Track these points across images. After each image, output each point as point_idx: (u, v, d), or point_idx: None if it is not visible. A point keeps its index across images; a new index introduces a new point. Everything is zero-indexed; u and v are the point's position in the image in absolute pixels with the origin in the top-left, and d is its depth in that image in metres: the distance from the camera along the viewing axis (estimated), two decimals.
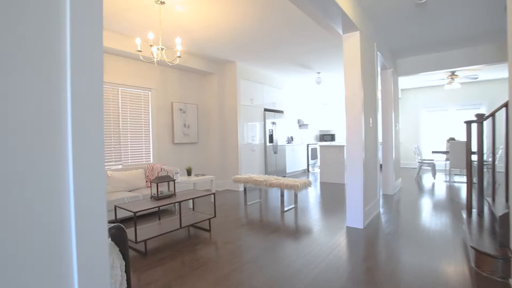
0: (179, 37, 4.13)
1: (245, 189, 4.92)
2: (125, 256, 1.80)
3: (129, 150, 4.93)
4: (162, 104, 5.50)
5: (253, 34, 4.49)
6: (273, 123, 7.42)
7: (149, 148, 5.27)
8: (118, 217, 3.63)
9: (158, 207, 3.03)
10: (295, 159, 8.69)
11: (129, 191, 4.29)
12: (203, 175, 5.16)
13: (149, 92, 5.25)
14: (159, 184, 4.01)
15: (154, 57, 3.32)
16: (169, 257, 2.75)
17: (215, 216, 3.52)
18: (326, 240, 3.10)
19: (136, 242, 2.67)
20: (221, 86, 6.35)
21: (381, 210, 4.25)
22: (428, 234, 3.21)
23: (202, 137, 6.40)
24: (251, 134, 6.64)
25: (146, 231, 2.96)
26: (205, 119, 6.47)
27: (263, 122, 7.08)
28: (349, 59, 3.51)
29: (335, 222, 3.72)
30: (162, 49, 3.30)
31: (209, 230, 3.47)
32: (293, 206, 4.60)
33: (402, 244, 2.93)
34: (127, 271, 1.80)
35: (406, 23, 4.15)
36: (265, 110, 7.20)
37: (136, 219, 2.73)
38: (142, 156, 5.15)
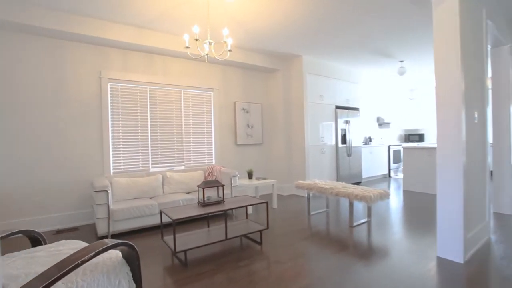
0: (229, 29, 3.88)
1: (308, 196, 4.36)
2: (136, 278, 1.53)
3: (192, 151, 4.93)
4: (224, 104, 5.38)
5: (315, 19, 3.90)
6: (347, 122, 6.58)
7: (211, 149, 5.20)
8: (165, 220, 3.58)
9: (207, 214, 2.77)
10: (373, 162, 7.59)
11: (187, 193, 4.24)
12: (265, 178, 4.81)
13: (211, 93, 5.18)
14: (209, 188, 3.82)
15: (202, 53, 3.10)
16: (209, 272, 2.46)
17: (267, 227, 3.10)
18: (408, 274, 2.34)
19: (175, 252, 2.45)
20: (287, 83, 5.91)
21: (492, 238, 3.12)
22: None
23: (267, 138, 6.07)
24: (320, 134, 6.00)
25: (188, 239, 2.74)
26: (270, 119, 6.12)
27: (334, 121, 6.34)
28: (441, 34, 2.62)
29: (422, 248, 2.86)
30: (210, 43, 3.06)
31: (260, 243, 3.07)
32: (365, 220, 3.83)
33: None
34: None
35: None
36: (337, 107, 6.44)
37: (175, 225, 2.52)
38: (205, 157, 5.11)
